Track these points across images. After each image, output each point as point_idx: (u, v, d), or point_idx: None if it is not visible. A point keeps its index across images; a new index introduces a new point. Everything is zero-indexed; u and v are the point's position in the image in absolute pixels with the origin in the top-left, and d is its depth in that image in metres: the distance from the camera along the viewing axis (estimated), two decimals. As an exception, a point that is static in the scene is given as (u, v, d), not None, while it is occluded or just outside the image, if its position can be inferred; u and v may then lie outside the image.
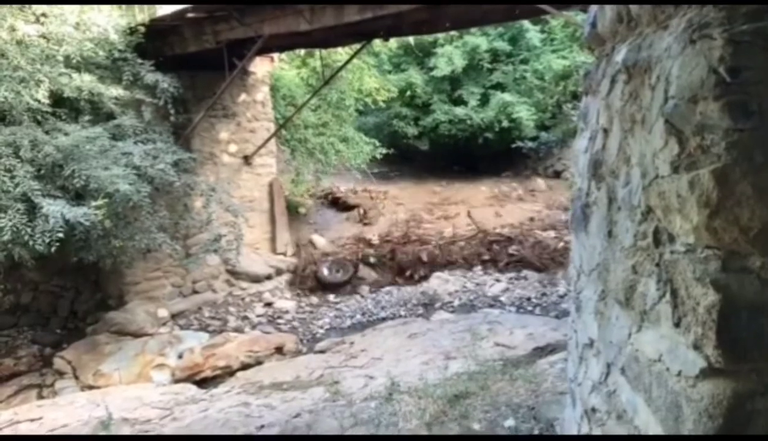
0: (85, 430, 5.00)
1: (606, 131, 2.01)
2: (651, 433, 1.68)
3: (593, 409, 2.06)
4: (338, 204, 14.37)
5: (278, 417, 4.78)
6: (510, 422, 4.06)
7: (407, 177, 17.44)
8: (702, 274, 1.44)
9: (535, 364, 5.51)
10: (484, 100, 16.58)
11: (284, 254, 12.06)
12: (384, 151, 14.19)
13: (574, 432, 2.24)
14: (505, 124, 15.90)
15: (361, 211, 14.05)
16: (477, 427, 4.03)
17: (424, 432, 4.00)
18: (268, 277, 11.25)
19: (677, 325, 1.54)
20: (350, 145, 13.62)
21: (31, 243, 6.68)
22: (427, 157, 18.06)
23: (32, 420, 5.67)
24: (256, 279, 11.10)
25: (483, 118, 16.24)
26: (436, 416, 4.25)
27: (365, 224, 13.67)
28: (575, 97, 10.59)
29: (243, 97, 11.09)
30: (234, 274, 10.74)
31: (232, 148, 11.06)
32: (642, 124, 1.73)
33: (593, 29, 2.25)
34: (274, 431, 4.42)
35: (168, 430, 4.91)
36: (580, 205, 2.23)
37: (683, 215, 1.49)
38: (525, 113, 15.65)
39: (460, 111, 16.59)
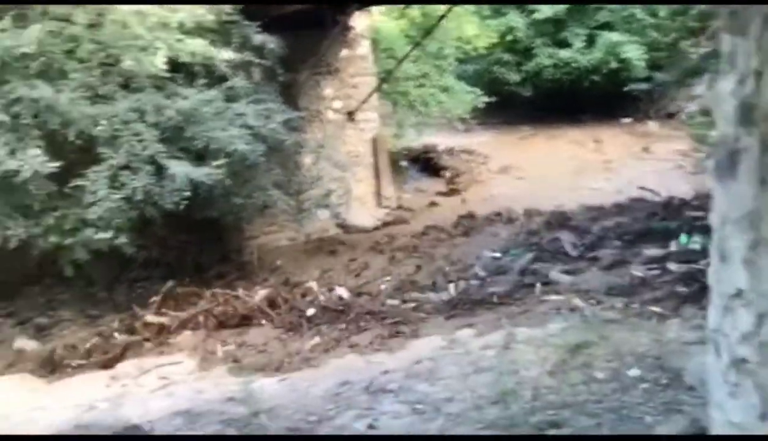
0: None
1: (759, 74, 1.92)
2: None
3: (743, 360, 2.03)
4: (430, 165, 13.71)
5: (400, 363, 4.97)
6: (635, 371, 4.03)
7: (508, 126, 17.09)
8: None
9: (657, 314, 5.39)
10: (590, 42, 15.90)
11: (389, 207, 12.27)
12: (485, 99, 13.96)
13: (719, 381, 2.22)
14: (614, 65, 15.22)
15: (448, 176, 13.13)
16: (600, 376, 4.03)
17: (546, 380, 4.04)
18: (375, 229, 11.51)
19: None
20: (451, 95, 13.50)
21: (160, 202, 7.19)
22: (529, 103, 17.57)
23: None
24: (364, 231, 11.38)
25: (589, 61, 15.60)
26: (558, 365, 4.27)
27: (453, 192, 12.82)
28: (694, 33, 9.91)
29: (345, 52, 11.19)
30: (343, 227, 11.06)
31: (337, 104, 11.25)
32: (805, 65, 1.64)
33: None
34: (397, 376, 4.60)
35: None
36: (726, 151, 2.15)
37: None
38: (635, 53, 14.91)
39: (564, 54, 16.03)
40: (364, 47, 11.64)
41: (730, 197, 2.13)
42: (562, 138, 15.64)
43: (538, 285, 7.12)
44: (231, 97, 8.47)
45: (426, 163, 13.92)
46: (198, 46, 8.20)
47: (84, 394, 5.68)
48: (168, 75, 8.01)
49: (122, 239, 7.28)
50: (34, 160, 6.56)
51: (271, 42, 8.83)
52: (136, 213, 7.41)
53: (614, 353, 4.34)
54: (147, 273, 9.77)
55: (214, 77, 8.64)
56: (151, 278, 9.73)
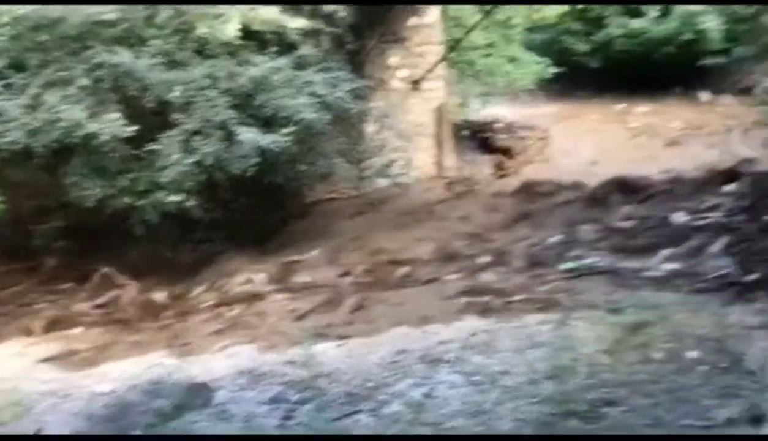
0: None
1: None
2: None
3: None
4: (486, 143, 12.83)
5: (455, 334, 5.06)
6: (693, 353, 4.02)
7: (573, 98, 16.65)
8: None
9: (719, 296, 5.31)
10: (666, 11, 15.30)
11: (448, 178, 12.21)
12: (554, 70, 13.65)
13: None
14: (688, 36, 14.61)
15: (496, 162, 12.23)
16: (657, 357, 4.04)
17: (603, 358, 4.07)
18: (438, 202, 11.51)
19: None
20: (518, 65, 13.27)
21: (228, 167, 7.44)
22: (597, 75, 17.01)
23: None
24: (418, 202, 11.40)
25: (662, 31, 15.04)
26: (614, 343, 4.29)
27: (502, 177, 12.05)
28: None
29: (413, 20, 11.09)
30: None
31: (402, 73, 11.20)
32: None
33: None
34: (453, 346, 4.69)
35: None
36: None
37: None
38: (712, 24, 14.25)
39: (636, 23, 15.46)
40: (432, 15, 11.51)
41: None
42: (631, 112, 15.18)
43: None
44: (300, 65, 8.59)
45: (483, 140, 13.63)
46: (270, 13, 8.34)
47: (149, 350, 5.98)
48: (241, 42, 8.20)
49: (191, 202, 7.59)
50: (113, 124, 6.91)
51: (341, 9, 8.90)
52: (205, 177, 7.70)
53: (673, 334, 4.32)
54: (210, 235, 10.11)
55: (285, 45, 8.78)
56: (213, 240, 10.07)
